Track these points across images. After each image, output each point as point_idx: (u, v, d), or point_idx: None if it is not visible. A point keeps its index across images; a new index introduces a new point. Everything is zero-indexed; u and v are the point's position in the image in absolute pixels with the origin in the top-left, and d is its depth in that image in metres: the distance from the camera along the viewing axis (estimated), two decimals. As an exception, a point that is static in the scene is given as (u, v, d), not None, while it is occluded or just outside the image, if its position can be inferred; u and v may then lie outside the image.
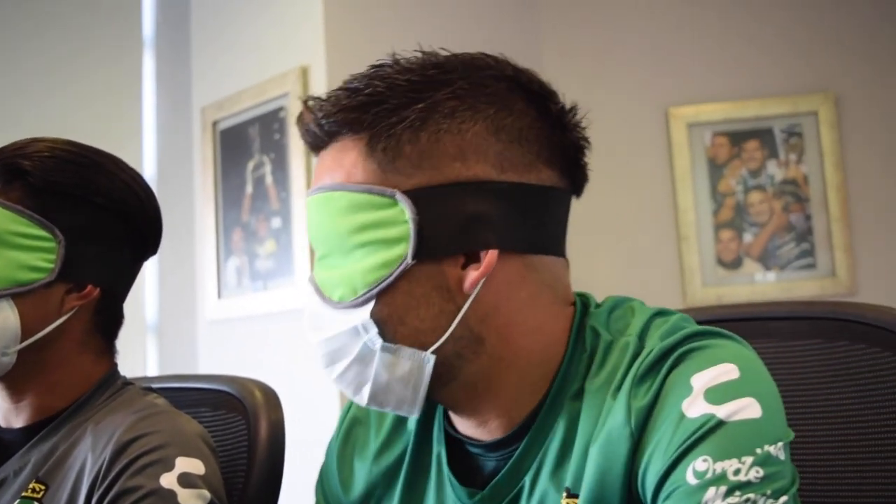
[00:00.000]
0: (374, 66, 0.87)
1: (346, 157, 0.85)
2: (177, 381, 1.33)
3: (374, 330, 0.83)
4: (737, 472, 0.72)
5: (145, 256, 1.22)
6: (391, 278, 0.82)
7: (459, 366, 0.84)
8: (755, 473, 0.72)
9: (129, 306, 1.21)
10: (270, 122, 2.74)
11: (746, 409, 0.75)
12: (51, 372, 1.12)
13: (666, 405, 0.77)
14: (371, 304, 0.83)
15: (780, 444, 0.75)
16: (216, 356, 2.90)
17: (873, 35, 3.12)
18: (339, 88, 0.86)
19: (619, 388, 0.81)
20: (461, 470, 0.90)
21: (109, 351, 1.18)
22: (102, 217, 1.13)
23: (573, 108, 0.90)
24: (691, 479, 0.72)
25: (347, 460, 0.99)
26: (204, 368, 2.92)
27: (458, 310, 0.83)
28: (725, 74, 3.17)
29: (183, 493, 1.00)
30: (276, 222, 2.72)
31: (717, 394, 0.75)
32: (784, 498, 0.72)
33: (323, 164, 0.88)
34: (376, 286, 0.82)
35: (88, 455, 1.06)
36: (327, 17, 2.60)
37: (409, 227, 0.82)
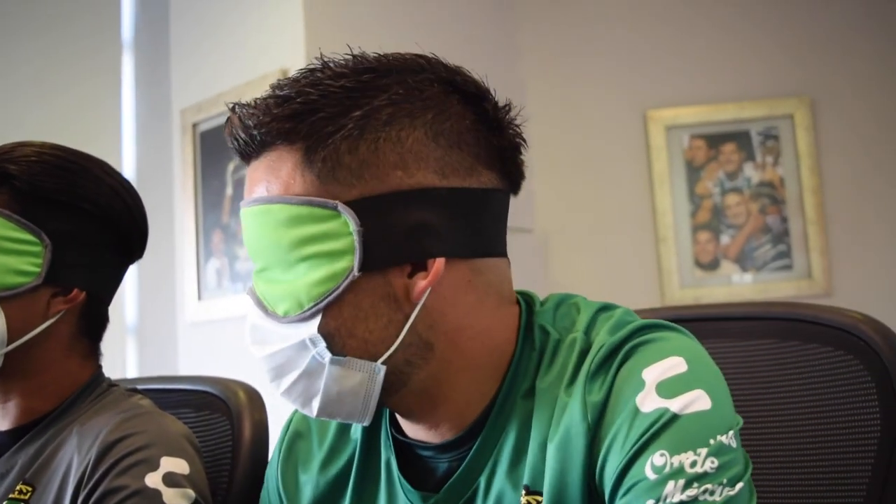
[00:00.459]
0: (303, 71, 0.85)
1: (281, 168, 0.83)
2: (161, 382, 1.34)
3: (322, 344, 0.82)
4: (693, 464, 0.74)
5: (131, 261, 1.22)
6: (337, 291, 0.81)
7: (409, 373, 0.84)
8: (710, 464, 0.74)
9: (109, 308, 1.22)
10: (250, 125, 2.74)
11: (697, 401, 0.77)
12: (37, 374, 1.13)
13: (620, 400, 0.79)
14: (318, 318, 0.82)
15: (730, 432, 0.77)
16: (196, 358, 2.89)
17: (849, 41, 3.16)
18: (269, 96, 0.84)
19: (571, 383, 0.82)
20: (411, 474, 0.90)
21: (95, 353, 1.19)
22: (88, 222, 1.14)
23: (507, 106, 0.88)
24: (650, 474, 0.74)
25: (291, 475, 0.98)
26: (184, 370, 2.92)
27: (406, 318, 0.82)
28: (703, 78, 3.20)
29: (168, 493, 1.01)
30: (255, 224, 2.72)
31: (669, 387, 0.77)
32: (740, 484, 0.75)
33: (256, 174, 0.85)
34: (323, 300, 0.81)
35: (74, 456, 1.06)
36: (307, 20, 2.61)
37: (354, 239, 0.80)
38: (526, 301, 0.91)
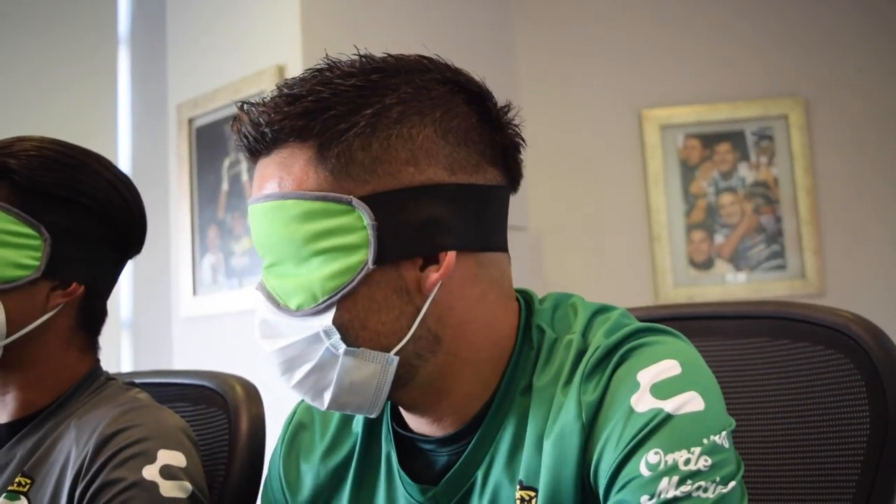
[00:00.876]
0: (311, 71, 0.87)
1: (294, 165, 0.84)
2: (158, 376, 1.35)
3: (336, 335, 0.83)
4: (687, 461, 0.75)
5: (129, 255, 1.23)
6: (352, 284, 0.82)
7: (418, 366, 0.86)
8: (704, 462, 0.75)
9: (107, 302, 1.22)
10: (246, 121, 2.74)
11: (691, 402, 0.78)
12: (35, 367, 1.14)
13: (615, 400, 0.80)
14: (332, 311, 0.83)
15: (723, 433, 0.78)
16: (191, 353, 2.90)
17: (844, 41, 3.17)
18: (278, 94, 0.86)
19: (567, 383, 0.84)
20: (411, 467, 0.91)
21: (93, 347, 1.20)
22: (87, 216, 1.15)
23: (507, 107, 0.91)
24: (644, 472, 0.76)
25: (293, 465, 0.99)
26: (179, 365, 2.92)
27: (418, 311, 0.84)
28: (698, 77, 3.21)
29: (165, 485, 1.02)
30: (251, 220, 2.72)
31: (663, 389, 0.79)
32: (732, 483, 0.76)
33: (266, 170, 0.86)
34: (337, 293, 0.83)
35: (72, 448, 1.07)
36: (304, 17, 2.61)
37: (369, 233, 0.82)
38: (525, 299, 0.93)
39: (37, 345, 1.13)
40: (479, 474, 0.87)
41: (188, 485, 1.04)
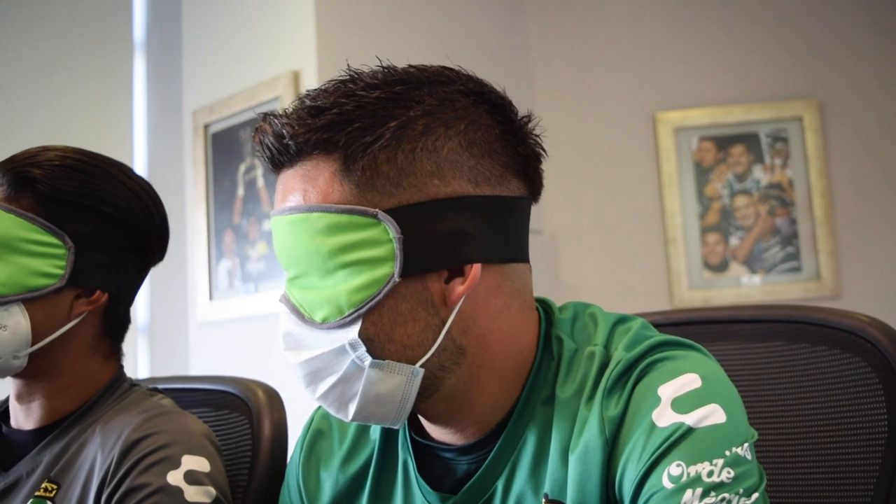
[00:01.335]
0: (334, 82, 0.86)
1: (318, 177, 0.84)
2: (181, 381, 1.36)
3: (362, 348, 0.83)
4: (710, 473, 0.75)
5: (152, 262, 1.25)
6: (379, 297, 0.82)
7: (442, 377, 0.86)
8: (727, 474, 0.75)
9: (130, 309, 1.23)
10: (262, 126, 2.76)
11: (712, 415, 0.78)
12: (60, 375, 1.15)
13: (637, 415, 0.80)
14: (358, 324, 0.83)
15: (745, 444, 0.78)
16: (207, 358, 2.91)
17: (857, 43, 3.16)
18: (301, 107, 0.85)
19: (590, 397, 0.84)
20: (430, 475, 0.92)
21: (116, 354, 1.21)
22: (110, 225, 1.16)
23: (528, 117, 0.91)
24: (667, 484, 0.76)
25: (313, 472, 1.00)
26: (195, 370, 2.93)
27: (443, 323, 0.84)
28: (712, 80, 3.21)
29: (189, 490, 1.04)
30: (267, 225, 2.74)
31: (684, 403, 0.79)
32: (756, 495, 0.76)
33: (291, 182, 0.86)
34: (364, 305, 0.82)
35: (98, 454, 1.09)
36: (318, 22, 2.62)
37: (395, 246, 0.82)
38: (544, 309, 0.93)
39: (61, 353, 1.14)
40: (500, 484, 0.87)
41: (212, 490, 1.06)
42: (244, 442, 1.21)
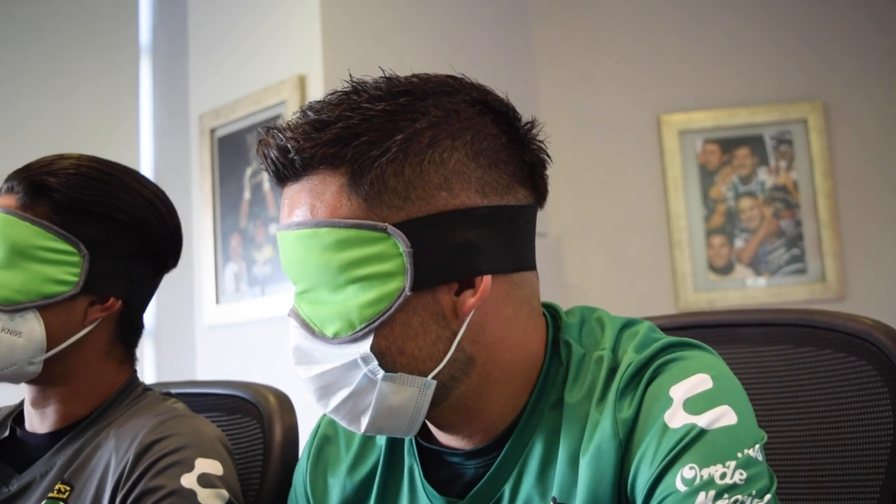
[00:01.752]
0: (338, 94, 0.86)
1: (325, 192, 0.84)
2: (193, 386, 1.37)
3: (374, 362, 0.83)
4: (723, 476, 0.76)
5: (166, 269, 1.26)
6: (390, 311, 0.82)
7: (452, 387, 0.86)
8: (739, 476, 0.76)
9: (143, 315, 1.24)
10: (268, 130, 2.77)
11: (724, 416, 0.79)
12: (75, 380, 1.17)
13: (649, 417, 0.81)
14: (370, 338, 0.83)
15: (756, 446, 0.79)
16: (214, 362, 2.92)
17: (861, 45, 3.17)
18: (305, 120, 0.84)
19: (601, 400, 0.84)
20: (437, 480, 0.92)
21: (130, 359, 1.23)
22: (124, 233, 1.17)
23: (532, 123, 0.90)
24: (681, 487, 0.76)
25: (320, 478, 1.00)
26: (201, 374, 2.94)
27: (454, 335, 0.84)
28: (716, 82, 3.21)
29: (203, 493, 1.05)
30: (273, 228, 2.74)
31: (696, 404, 0.80)
32: (768, 496, 0.77)
33: (297, 197, 0.85)
34: (375, 320, 0.82)
35: (112, 457, 1.10)
36: (324, 26, 2.63)
37: (405, 261, 0.82)
38: (551, 314, 0.94)
39: (76, 358, 1.16)
40: (507, 488, 0.87)
41: (225, 493, 1.07)
42: (255, 446, 1.22)
